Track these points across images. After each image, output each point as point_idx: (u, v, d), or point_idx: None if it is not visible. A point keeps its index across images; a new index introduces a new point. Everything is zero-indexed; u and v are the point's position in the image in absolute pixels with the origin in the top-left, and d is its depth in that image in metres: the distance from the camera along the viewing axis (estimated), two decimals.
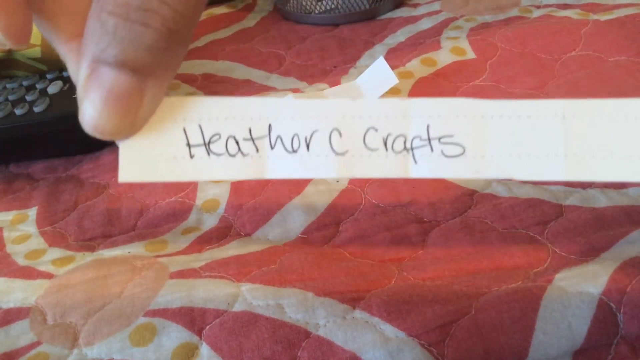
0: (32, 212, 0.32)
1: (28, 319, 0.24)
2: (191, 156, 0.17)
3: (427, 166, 0.17)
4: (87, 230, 0.30)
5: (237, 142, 0.17)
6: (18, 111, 0.33)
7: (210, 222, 0.29)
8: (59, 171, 0.35)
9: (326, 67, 0.42)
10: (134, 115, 0.16)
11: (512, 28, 0.40)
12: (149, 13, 0.14)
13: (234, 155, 0.17)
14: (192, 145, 0.17)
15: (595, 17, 0.41)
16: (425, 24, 0.44)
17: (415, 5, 0.48)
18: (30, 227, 0.31)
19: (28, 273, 0.27)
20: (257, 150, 0.17)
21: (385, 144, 0.17)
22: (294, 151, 0.17)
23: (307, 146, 0.17)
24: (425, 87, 0.37)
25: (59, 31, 0.16)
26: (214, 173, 0.17)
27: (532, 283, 0.22)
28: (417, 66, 0.39)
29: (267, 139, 0.17)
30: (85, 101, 0.15)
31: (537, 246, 0.25)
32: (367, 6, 0.47)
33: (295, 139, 0.17)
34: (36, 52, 0.38)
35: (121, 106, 0.15)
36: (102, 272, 0.26)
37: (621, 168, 0.17)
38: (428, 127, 0.17)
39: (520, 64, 0.38)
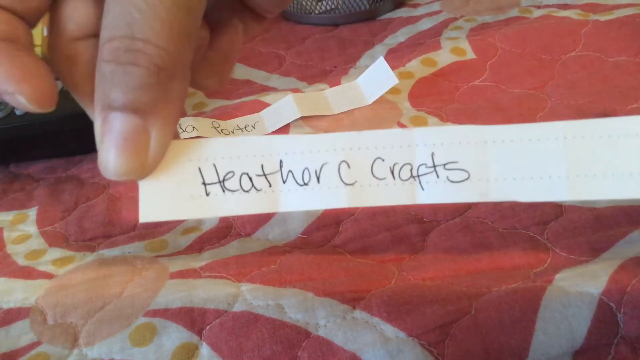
0: (32, 212, 0.32)
1: (28, 319, 0.24)
2: (207, 194, 0.18)
3: (433, 192, 0.18)
4: (87, 230, 0.30)
5: (250, 179, 0.18)
6: (18, 111, 0.33)
7: (210, 222, 0.29)
8: (59, 171, 0.35)
9: (326, 68, 0.42)
10: (144, 155, 0.17)
11: (512, 28, 0.40)
12: (135, 53, 0.15)
13: (248, 191, 0.18)
14: (208, 183, 0.18)
15: (595, 17, 0.41)
16: (425, 25, 0.44)
17: (415, 6, 0.48)
18: (30, 227, 0.31)
19: (28, 273, 0.27)
20: (270, 185, 0.18)
21: (393, 173, 0.18)
22: (305, 184, 0.18)
23: (318, 179, 0.18)
24: (425, 88, 0.37)
25: (80, 92, 0.18)
26: (230, 209, 0.18)
27: (532, 283, 0.22)
28: (417, 66, 0.39)
29: (279, 173, 0.18)
30: (102, 148, 0.16)
31: (537, 246, 0.25)
32: (367, 6, 0.47)
33: (306, 172, 0.18)
34: (37, 52, 0.38)
35: (130, 147, 0.16)
36: (102, 272, 0.26)
37: (622, 185, 0.17)
38: (433, 154, 0.18)
39: (520, 64, 0.38)
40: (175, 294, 0.24)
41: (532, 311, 0.21)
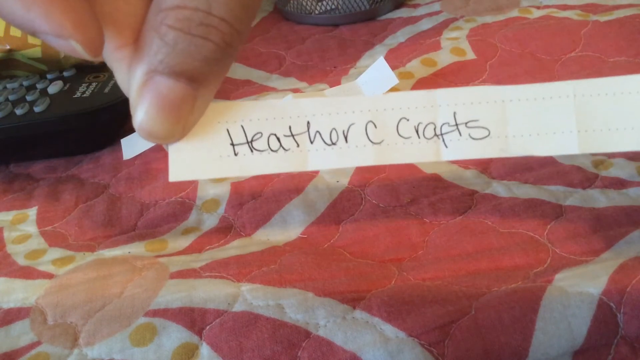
0: (33, 212, 0.32)
1: (28, 319, 0.24)
2: (235, 154, 0.19)
3: (457, 149, 0.19)
4: (88, 230, 0.30)
5: (278, 139, 0.19)
6: (18, 111, 0.33)
7: (210, 222, 0.29)
8: (59, 171, 0.35)
9: (326, 68, 0.42)
10: (185, 121, 0.17)
11: (512, 29, 0.41)
12: (209, 28, 0.15)
13: (276, 151, 0.19)
14: (236, 144, 0.19)
15: (595, 17, 0.41)
16: (425, 25, 0.44)
17: (415, 6, 0.48)
18: (30, 227, 0.31)
19: (28, 273, 0.27)
20: (298, 145, 0.19)
21: (417, 132, 0.19)
22: (333, 143, 0.19)
23: (345, 138, 0.19)
24: (425, 88, 0.37)
25: (107, 41, 0.17)
26: (258, 167, 0.19)
27: (532, 283, 0.22)
28: (417, 67, 0.39)
29: (307, 134, 0.19)
30: (139, 108, 0.16)
31: (537, 246, 0.25)
32: (367, 7, 0.47)
33: (334, 132, 0.19)
34: (36, 52, 0.38)
35: (175, 113, 0.17)
36: (103, 272, 0.26)
37: (628, 139, 0.18)
38: (455, 114, 0.19)
39: (520, 64, 0.38)
40: (175, 294, 0.24)
41: (532, 311, 0.21)
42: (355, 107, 0.19)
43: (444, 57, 0.39)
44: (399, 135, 0.19)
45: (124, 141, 0.34)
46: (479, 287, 0.23)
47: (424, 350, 0.20)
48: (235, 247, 0.27)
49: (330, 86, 0.38)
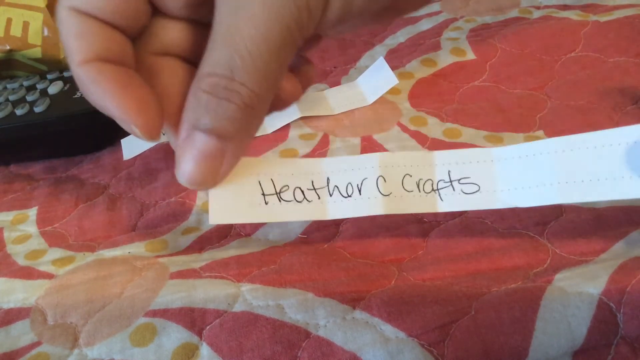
0: (33, 212, 0.32)
1: (28, 319, 0.24)
2: (266, 203, 0.22)
3: (451, 202, 0.22)
4: (88, 230, 0.30)
5: (302, 192, 0.22)
6: (19, 111, 0.33)
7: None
8: (59, 171, 0.35)
9: (326, 68, 0.42)
10: (216, 171, 0.20)
11: (512, 29, 0.41)
12: (232, 92, 0.18)
13: (300, 202, 0.22)
14: (266, 194, 0.22)
15: (595, 18, 0.41)
16: (425, 25, 0.44)
17: None
18: (30, 227, 0.31)
19: (28, 273, 0.27)
20: (319, 197, 0.22)
21: (418, 186, 0.22)
22: (349, 196, 0.22)
23: (359, 191, 0.22)
24: (425, 88, 0.37)
25: (166, 110, 0.20)
26: (285, 215, 0.22)
27: (532, 283, 0.22)
28: (417, 67, 0.39)
29: (326, 188, 0.22)
30: (182, 158, 0.19)
31: (537, 246, 0.25)
32: None
33: (349, 186, 0.22)
34: (36, 52, 0.38)
35: (207, 163, 0.19)
36: (103, 273, 0.26)
37: (608, 188, 0.20)
38: (449, 172, 0.22)
39: (520, 64, 0.38)
40: (175, 294, 0.24)
41: (532, 311, 0.21)
42: (367, 163, 0.22)
43: (444, 57, 0.39)
44: (404, 188, 0.22)
45: (124, 141, 0.34)
46: (479, 287, 0.23)
47: (423, 350, 0.20)
48: (235, 247, 0.27)
49: (330, 86, 0.38)
